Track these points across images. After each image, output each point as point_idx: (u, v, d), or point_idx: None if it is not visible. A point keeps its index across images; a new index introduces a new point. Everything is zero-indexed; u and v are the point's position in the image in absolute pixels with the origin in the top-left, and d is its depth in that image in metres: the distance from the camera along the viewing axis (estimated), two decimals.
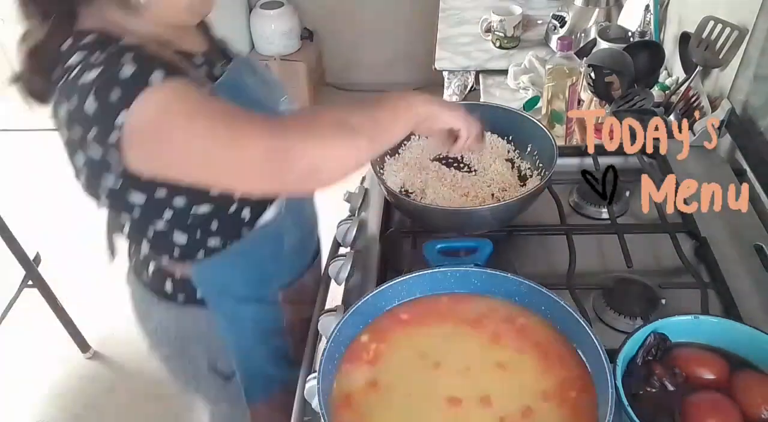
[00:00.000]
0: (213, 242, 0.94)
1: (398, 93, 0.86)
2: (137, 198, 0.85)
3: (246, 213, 0.94)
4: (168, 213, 0.88)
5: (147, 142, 0.73)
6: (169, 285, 1.00)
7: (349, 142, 0.75)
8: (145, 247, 0.97)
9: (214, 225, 0.92)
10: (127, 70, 0.72)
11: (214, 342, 1.05)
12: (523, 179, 1.10)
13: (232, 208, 0.92)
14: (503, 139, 1.14)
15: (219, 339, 1.04)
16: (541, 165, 1.09)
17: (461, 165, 1.13)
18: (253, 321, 1.05)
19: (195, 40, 0.91)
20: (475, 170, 1.12)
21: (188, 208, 0.88)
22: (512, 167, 1.12)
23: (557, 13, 1.85)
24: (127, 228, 0.96)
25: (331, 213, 1.22)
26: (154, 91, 0.71)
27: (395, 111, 0.84)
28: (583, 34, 1.79)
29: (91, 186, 0.85)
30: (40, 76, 0.81)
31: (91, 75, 0.73)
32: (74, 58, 0.76)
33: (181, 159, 0.74)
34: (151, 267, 1.01)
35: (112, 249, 1.06)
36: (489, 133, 1.14)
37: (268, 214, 0.96)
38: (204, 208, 0.89)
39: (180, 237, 0.92)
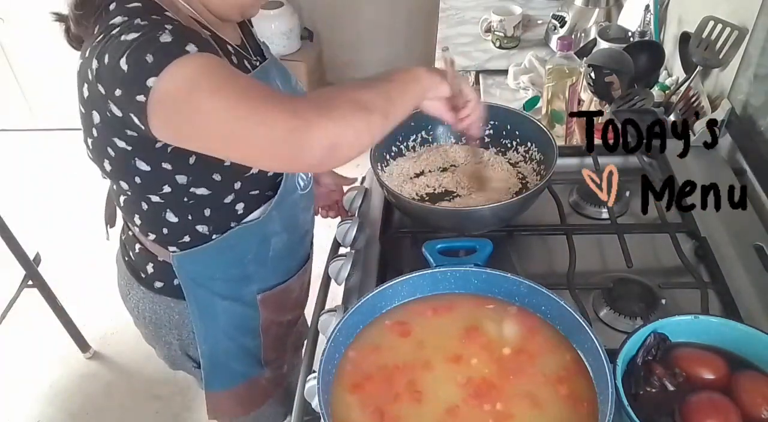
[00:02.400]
0: (201, 229, 0.95)
1: (402, 67, 0.87)
2: (142, 166, 0.86)
3: (240, 207, 0.95)
4: (167, 188, 0.89)
5: (171, 110, 0.74)
6: (149, 269, 1.02)
7: (365, 120, 0.76)
8: (137, 221, 0.97)
9: (207, 212, 0.93)
10: (166, 37, 0.74)
11: (186, 331, 1.07)
12: (523, 179, 1.11)
13: (228, 199, 0.93)
14: (503, 139, 1.15)
15: (190, 328, 1.06)
16: (541, 165, 1.09)
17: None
18: (227, 318, 1.06)
19: (232, 33, 0.95)
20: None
21: (187, 187, 0.89)
22: (512, 167, 1.13)
23: (557, 13, 1.85)
24: (123, 199, 0.97)
25: None
26: (186, 61, 0.73)
27: (405, 85, 0.85)
28: (583, 34, 1.79)
29: (100, 148, 0.87)
30: (83, 25, 0.84)
31: (131, 36, 0.75)
32: (118, 19, 0.79)
33: (202, 131, 0.75)
34: (137, 247, 1.02)
35: (108, 225, 1.09)
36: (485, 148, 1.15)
37: (257, 213, 0.97)
38: (202, 191, 0.91)
39: (171, 217, 0.93)
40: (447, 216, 1.01)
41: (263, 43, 1.04)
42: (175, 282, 1.00)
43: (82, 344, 2.17)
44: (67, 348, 2.17)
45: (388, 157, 1.13)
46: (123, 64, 0.74)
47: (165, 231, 0.95)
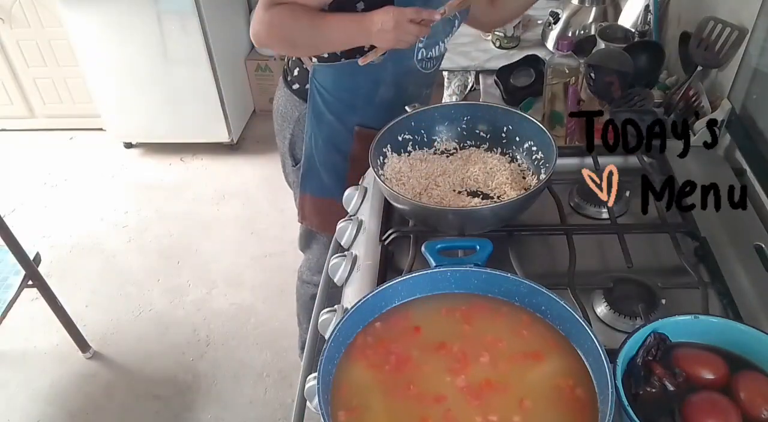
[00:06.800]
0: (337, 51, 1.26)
1: (369, 15, 1.12)
2: None
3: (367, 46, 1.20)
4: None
5: None
6: (295, 72, 1.37)
7: (290, 51, 1.32)
8: None
9: None
10: None
11: (298, 129, 1.41)
12: (522, 179, 1.11)
13: None
14: (503, 139, 1.15)
15: (302, 128, 1.38)
16: (541, 165, 1.09)
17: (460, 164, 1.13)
18: (329, 130, 1.36)
19: None
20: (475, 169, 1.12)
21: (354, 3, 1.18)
22: (512, 167, 1.13)
23: (554, 11, 1.85)
24: None
25: None
26: None
27: (352, 37, 1.17)
28: (580, 32, 1.78)
29: None
30: None
31: None
32: None
33: None
34: (294, 56, 1.37)
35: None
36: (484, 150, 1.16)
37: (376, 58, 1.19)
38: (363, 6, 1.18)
39: None
40: (447, 216, 1.01)
41: None
42: (307, 87, 1.33)
43: (82, 344, 2.17)
44: (67, 348, 2.17)
45: (387, 156, 1.13)
46: None
47: None
